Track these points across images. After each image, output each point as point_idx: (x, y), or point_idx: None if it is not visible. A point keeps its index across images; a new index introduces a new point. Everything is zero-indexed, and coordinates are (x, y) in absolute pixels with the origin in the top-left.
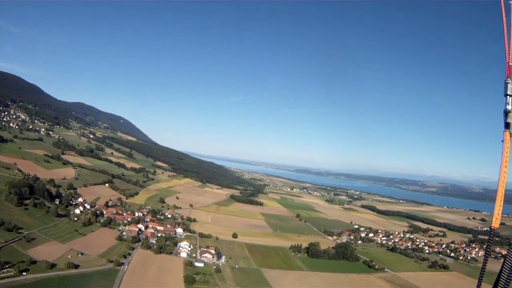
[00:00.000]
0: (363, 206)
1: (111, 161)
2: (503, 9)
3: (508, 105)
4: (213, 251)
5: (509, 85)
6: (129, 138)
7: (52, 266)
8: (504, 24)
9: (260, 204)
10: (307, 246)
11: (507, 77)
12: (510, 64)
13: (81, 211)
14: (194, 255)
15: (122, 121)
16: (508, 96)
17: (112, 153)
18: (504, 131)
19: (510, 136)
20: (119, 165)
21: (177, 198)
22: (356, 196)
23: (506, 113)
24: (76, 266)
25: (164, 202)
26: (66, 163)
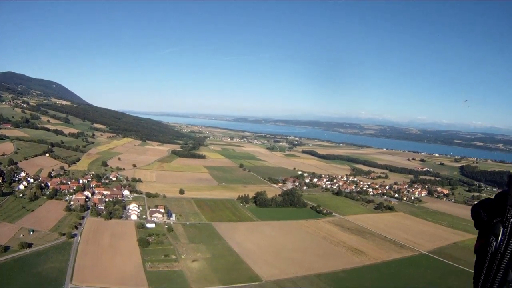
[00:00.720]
0: (304, 152)
1: (48, 129)
2: None
3: None
4: (162, 210)
5: None
6: (64, 102)
7: (6, 249)
8: None
9: (203, 157)
10: (254, 195)
11: None
12: None
13: (25, 186)
14: (144, 216)
15: (54, 86)
16: None
17: (48, 120)
18: None
19: None
20: (57, 132)
21: (119, 159)
22: (296, 142)
23: None
24: (30, 245)
25: (107, 165)
26: (3, 137)
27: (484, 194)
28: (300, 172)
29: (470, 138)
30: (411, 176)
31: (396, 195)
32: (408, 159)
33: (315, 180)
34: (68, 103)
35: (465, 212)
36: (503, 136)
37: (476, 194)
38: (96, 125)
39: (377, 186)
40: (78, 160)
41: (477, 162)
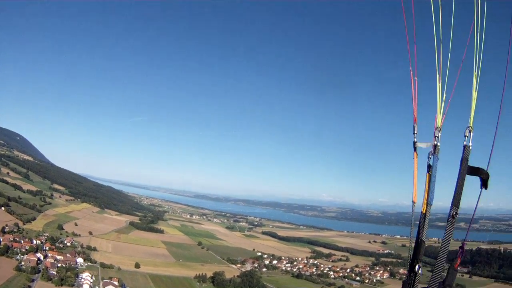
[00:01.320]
0: (264, 233)
1: (7, 182)
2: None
3: (415, 139)
4: (116, 283)
5: (415, 127)
6: (26, 157)
7: None
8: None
9: (161, 231)
10: (212, 275)
11: (414, 123)
12: (415, 115)
13: None
14: (96, 287)
15: (19, 138)
16: (414, 134)
17: (8, 173)
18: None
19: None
20: (15, 186)
21: (76, 224)
22: (256, 223)
23: (414, 143)
24: None
25: (63, 229)
26: None
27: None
28: (259, 253)
29: (432, 219)
30: (373, 258)
31: (358, 278)
32: (369, 242)
33: (274, 262)
34: (30, 158)
35: None
36: (464, 215)
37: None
38: (56, 186)
39: (338, 269)
40: (34, 219)
41: (439, 242)
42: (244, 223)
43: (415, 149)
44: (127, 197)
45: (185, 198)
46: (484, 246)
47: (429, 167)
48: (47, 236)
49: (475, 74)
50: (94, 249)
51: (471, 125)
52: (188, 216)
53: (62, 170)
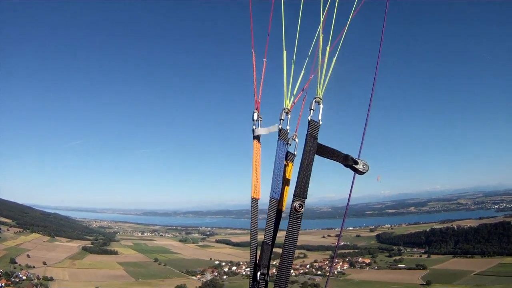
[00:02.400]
0: (218, 241)
1: None
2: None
3: (254, 126)
4: None
5: (254, 114)
6: None
7: None
8: (254, 67)
9: (115, 253)
10: None
11: (255, 109)
12: (258, 100)
13: None
14: None
15: None
16: (253, 121)
17: None
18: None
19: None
20: None
21: (28, 256)
22: (209, 232)
23: (253, 130)
24: None
25: (16, 262)
26: None
27: (406, 256)
28: (217, 262)
29: (381, 208)
30: (330, 252)
31: (319, 272)
32: (324, 236)
33: (234, 268)
34: None
35: (390, 276)
36: (413, 200)
37: (397, 257)
38: (2, 219)
39: (297, 267)
40: None
41: (392, 228)
42: (196, 234)
43: (255, 137)
44: (76, 222)
45: (134, 216)
46: (437, 226)
47: (288, 155)
48: (1, 272)
49: (321, 36)
50: (51, 279)
51: (320, 96)
52: (140, 234)
53: (6, 202)
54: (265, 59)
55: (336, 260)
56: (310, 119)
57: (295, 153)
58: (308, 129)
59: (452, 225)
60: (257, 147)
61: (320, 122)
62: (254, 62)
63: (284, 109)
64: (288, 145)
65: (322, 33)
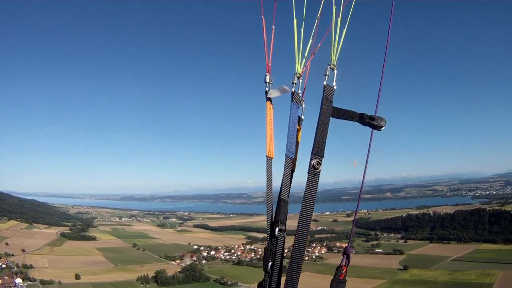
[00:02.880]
0: (195, 226)
1: None
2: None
3: (267, 88)
4: None
5: (267, 76)
6: None
7: None
8: (264, 29)
9: (93, 238)
10: (154, 275)
11: (267, 72)
12: (269, 64)
13: None
14: None
15: None
16: (266, 83)
17: None
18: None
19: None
20: None
21: (7, 244)
22: (186, 217)
23: (266, 92)
24: None
25: None
26: None
27: (383, 241)
28: (196, 247)
29: (357, 193)
30: (308, 236)
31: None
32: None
33: (212, 252)
34: None
35: (368, 260)
36: (389, 185)
37: (374, 242)
38: None
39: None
40: None
41: (368, 214)
42: (174, 219)
43: (268, 99)
44: (53, 208)
45: (111, 201)
46: (413, 212)
47: (300, 120)
48: None
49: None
50: (31, 266)
51: (334, 63)
52: (117, 219)
53: None
54: (273, 26)
55: (314, 245)
56: (326, 83)
57: (303, 117)
58: (323, 93)
59: (428, 211)
60: (270, 108)
61: (335, 87)
62: (264, 27)
63: (296, 73)
64: (298, 107)
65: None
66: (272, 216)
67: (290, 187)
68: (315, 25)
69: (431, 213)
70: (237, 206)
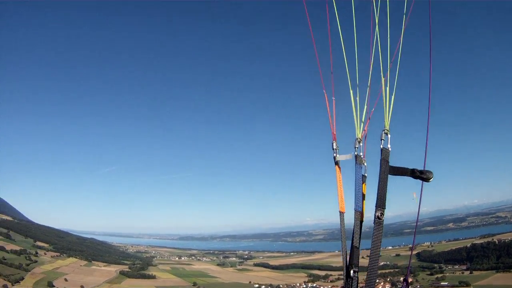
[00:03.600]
0: (256, 265)
1: None
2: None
3: (334, 154)
4: None
5: (334, 143)
6: (5, 217)
7: None
8: (327, 101)
9: (153, 277)
10: None
11: (333, 140)
12: (334, 132)
13: None
14: None
15: None
16: (333, 149)
17: None
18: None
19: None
20: None
21: (66, 280)
22: (246, 256)
23: (334, 158)
24: None
25: (53, 286)
26: None
27: (447, 274)
28: (257, 285)
29: (419, 225)
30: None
31: None
32: (363, 257)
33: None
34: (9, 218)
35: None
36: (451, 216)
37: (439, 275)
38: (39, 243)
39: None
40: (22, 279)
41: (432, 246)
42: (234, 258)
43: (336, 163)
44: (112, 247)
45: (171, 241)
46: (477, 241)
47: (364, 177)
48: None
49: (383, 78)
50: None
51: (387, 128)
52: (177, 258)
53: (43, 227)
54: (333, 98)
55: (378, 280)
56: (382, 147)
57: (366, 174)
58: (381, 155)
59: (493, 239)
60: (338, 171)
61: (390, 149)
62: (326, 99)
63: (357, 139)
64: (361, 166)
65: (383, 76)
66: (347, 261)
67: (360, 235)
68: (367, 93)
69: (496, 241)
70: (297, 244)
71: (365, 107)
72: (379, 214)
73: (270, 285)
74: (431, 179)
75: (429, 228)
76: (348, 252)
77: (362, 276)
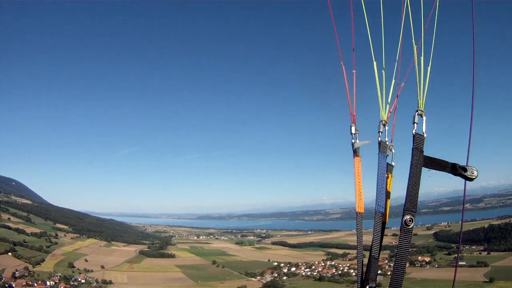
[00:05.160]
0: (274, 243)
1: (9, 227)
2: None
3: (353, 140)
4: None
5: (352, 127)
6: (25, 201)
7: None
8: (346, 79)
9: (172, 256)
10: None
11: (352, 123)
12: (353, 113)
13: None
14: None
15: (14, 183)
16: (352, 134)
17: (9, 218)
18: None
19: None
20: (18, 231)
21: (86, 260)
22: (264, 234)
23: (352, 144)
24: None
25: (74, 267)
26: None
27: (465, 254)
28: (276, 263)
29: (436, 205)
30: (388, 251)
31: (379, 271)
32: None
33: (293, 269)
34: (29, 201)
35: (449, 274)
36: (469, 196)
37: (456, 255)
38: (59, 225)
39: (356, 267)
40: (43, 260)
41: (449, 226)
42: (251, 237)
43: (354, 151)
44: (131, 227)
45: (189, 220)
46: (495, 222)
47: (388, 166)
48: (60, 276)
49: (415, 47)
50: (110, 282)
51: (422, 109)
52: (195, 237)
53: (62, 209)
54: (354, 71)
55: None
56: (415, 132)
57: (393, 163)
58: (413, 143)
59: (510, 220)
60: (357, 161)
61: (425, 135)
62: (345, 74)
63: (381, 121)
64: (386, 155)
65: (415, 44)
66: (362, 274)
67: (381, 243)
68: (396, 65)
69: None
70: (314, 223)
71: (393, 81)
72: (408, 220)
73: (289, 263)
74: (475, 178)
75: (446, 208)
76: (365, 263)
77: None
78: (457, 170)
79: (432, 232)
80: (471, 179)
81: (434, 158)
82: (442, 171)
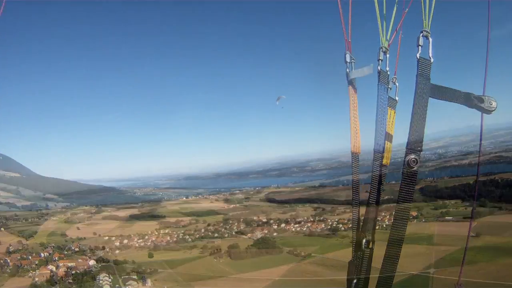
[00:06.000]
0: (262, 200)
1: (0, 203)
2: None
3: (348, 69)
4: (135, 277)
5: (347, 55)
6: (13, 174)
7: None
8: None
9: (163, 217)
10: (227, 249)
11: (347, 50)
12: (349, 40)
13: None
14: (117, 285)
15: (1, 158)
16: (347, 63)
17: None
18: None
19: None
20: (9, 205)
21: (78, 228)
22: (252, 192)
23: (347, 75)
24: None
25: (67, 236)
26: None
27: (451, 209)
28: (265, 220)
29: (446, 155)
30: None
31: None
32: (366, 191)
33: (282, 225)
34: (17, 174)
35: (436, 228)
36: (453, 154)
37: (444, 210)
38: (49, 196)
39: (345, 221)
40: (35, 233)
41: (435, 181)
42: (240, 195)
43: (350, 82)
44: (121, 192)
45: (177, 182)
46: (480, 179)
47: (391, 100)
48: (53, 246)
49: None
50: (103, 248)
51: (428, 29)
52: (184, 198)
53: (51, 180)
54: None
55: (383, 214)
56: (419, 56)
57: (397, 98)
58: (418, 69)
59: (495, 177)
60: (353, 93)
61: (432, 59)
62: None
63: (381, 47)
64: (389, 89)
65: None
66: (359, 226)
67: (379, 190)
68: None
69: (499, 180)
70: (301, 178)
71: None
72: (411, 160)
73: (279, 219)
74: (493, 110)
75: (430, 164)
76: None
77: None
78: (471, 101)
79: (418, 187)
80: (489, 112)
81: (443, 87)
82: (454, 101)
